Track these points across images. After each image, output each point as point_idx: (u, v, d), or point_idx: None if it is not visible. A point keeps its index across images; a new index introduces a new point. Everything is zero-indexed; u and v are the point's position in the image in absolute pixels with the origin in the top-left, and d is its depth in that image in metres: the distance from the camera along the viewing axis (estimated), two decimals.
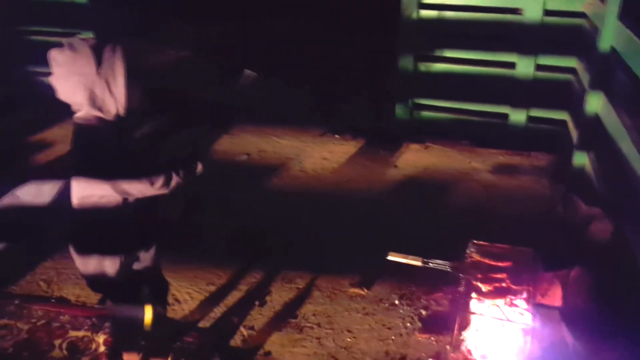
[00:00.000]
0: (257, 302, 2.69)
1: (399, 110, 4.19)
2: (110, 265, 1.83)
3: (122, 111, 1.68)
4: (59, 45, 1.67)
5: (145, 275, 1.95)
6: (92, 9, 4.48)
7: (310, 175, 3.84)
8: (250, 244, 3.09)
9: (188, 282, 2.81)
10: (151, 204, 1.83)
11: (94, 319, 2.52)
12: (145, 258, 1.91)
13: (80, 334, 2.45)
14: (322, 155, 4.09)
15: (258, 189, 3.66)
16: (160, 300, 2.08)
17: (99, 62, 1.62)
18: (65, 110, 1.78)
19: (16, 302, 2.63)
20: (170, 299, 2.68)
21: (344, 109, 4.70)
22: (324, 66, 5.36)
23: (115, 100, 1.66)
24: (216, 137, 4.32)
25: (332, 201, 3.51)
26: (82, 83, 1.63)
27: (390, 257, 2.55)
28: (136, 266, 1.89)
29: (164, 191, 1.77)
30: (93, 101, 1.65)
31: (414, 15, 3.81)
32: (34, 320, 2.52)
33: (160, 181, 1.74)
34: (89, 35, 4.51)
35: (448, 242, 2.94)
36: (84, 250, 1.83)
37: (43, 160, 3.95)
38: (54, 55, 1.65)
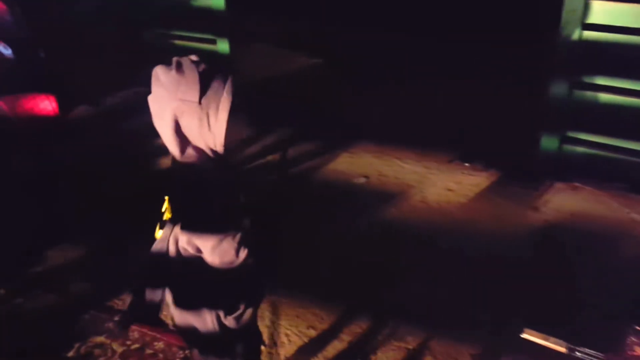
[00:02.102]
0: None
1: (545, 142, 3.62)
2: (206, 321, 1.62)
3: (219, 148, 1.45)
4: (168, 62, 1.47)
5: (242, 332, 1.72)
6: (229, 15, 4.44)
7: (432, 208, 3.45)
8: (358, 285, 2.78)
9: (288, 322, 2.57)
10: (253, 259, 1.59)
11: (187, 352, 2.37)
12: (245, 315, 1.67)
13: None
14: (447, 185, 3.67)
15: (372, 218, 3.33)
16: (252, 357, 1.85)
17: (204, 91, 1.39)
18: None
19: (116, 318, 2.57)
20: (267, 340, 2.47)
21: (478, 134, 4.22)
22: (459, 84, 4.89)
23: (213, 136, 1.43)
24: (335, 155, 4.07)
25: (455, 242, 3.09)
26: (181, 110, 1.41)
27: (525, 336, 2.10)
28: (233, 324, 1.66)
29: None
30: (189, 133, 1.44)
31: (575, 35, 3.24)
32: (129, 343, 2.44)
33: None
34: (225, 41, 4.50)
35: (599, 319, 2.43)
36: (180, 302, 1.64)
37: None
38: (159, 73, 1.44)
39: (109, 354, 2.38)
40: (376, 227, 3.24)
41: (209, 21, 4.53)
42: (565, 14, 3.24)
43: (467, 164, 3.89)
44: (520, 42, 4.70)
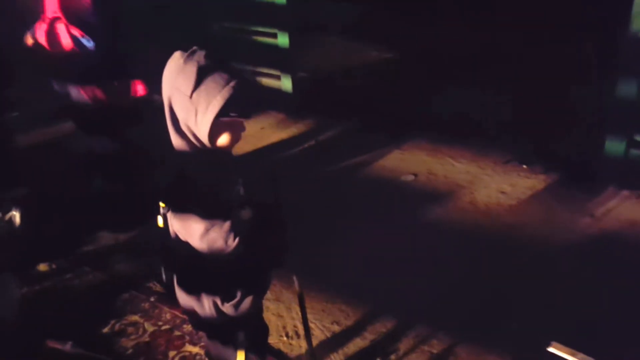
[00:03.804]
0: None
1: (610, 146, 3.36)
2: (205, 306, 1.66)
3: (205, 142, 1.46)
4: (184, 49, 1.47)
5: (243, 321, 1.74)
6: (290, 9, 4.46)
7: (481, 211, 3.30)
8: (390, 284, 2.72)
9: (314, 315, 2.56)
10: (251, 246, 1.60)
11: None
12: (244, 304, 1.69)
13: (195, 350, 2.39)
14: (500, 187, 3.50)
15: (416, 217, 3.25)
16: (257, 347, 1.87)
17: (197, 86, 1.40)
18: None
19: (152, 299, 2.69)
20: (290, 331, 2.50)
21: (539, 134, 3.99)
22: (522, 81, 4.65)
23: (199, 130, 1.44)
24: (386, 151, 4.01)
25: (500, 247, 2.95)
26: (174, 97, 1.44)
27: (552, 349, 1.97)
28: (231, 311, 1.69)
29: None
30: (180, 121, 1.46)
31: None
32: (160, 324, 2.54)
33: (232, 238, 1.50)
34: (285, 34, 4.54)
35: (635, 340, 2.24)
36: (180, 284, 1.70)
37: None
38: (172, 57, 1.46)
39: (140, 332, 2.50)
40: (416, 226, 3.16)
41: (270, 14, 4.59)
42: (636, 7, 2.98)
43: (524, 166, 3.69)
44: (586, 37, 4.38)
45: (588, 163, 3.50)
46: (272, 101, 4.60)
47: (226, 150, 1.51)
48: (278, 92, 4.74)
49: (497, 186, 3.52)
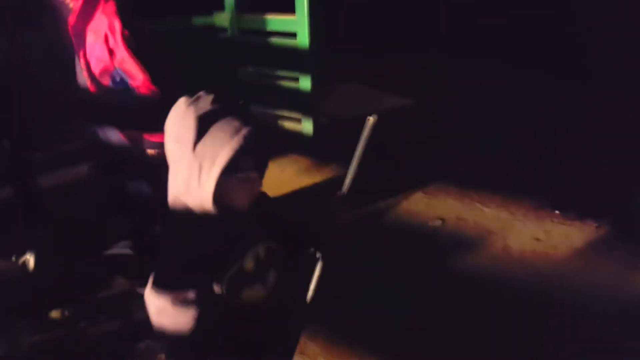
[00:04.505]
0: None
1: None
2: None
3: (207, 208, 1.21)
4: (191, 95, 1.25)
5: None
6: (312, 54, 4.43)
7: (515, 258, 3.13)
8: (422, 339, 2.54)
9: None
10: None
11: None
12: None
13: None
14: (534, 234, 3.33)
15: (446, 265, 3.08)
16: None
17: (200, 135, 1.16)
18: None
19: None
20: None
21: (575, 179, 3.83)
22: (556, 124, 4.53)
23: (200, 194, 1.19)
24: (410, 195, 3.88)
25: (538, 299, 2.75)
26: (173, 153, 1.21)
27: None
28: None
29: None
30: (178, 182, 1.23)
31: None
32: None
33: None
34: (307, 79, 4.50)
35: None
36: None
37: None
38: (177, 105, 1.24)
39: None
40: (449, 274, 2.99)
41: (293, 59, 4.58)
42: None
43: (557, 212, 3.53)
44: (624, 80, 4.28)
45: (629, 211, 3.32)
46: (293, 145, 4.53)
47: (237, 212, 1.26)
48: (299, 135, 4.68)
49: (530, 233, 3.35)
